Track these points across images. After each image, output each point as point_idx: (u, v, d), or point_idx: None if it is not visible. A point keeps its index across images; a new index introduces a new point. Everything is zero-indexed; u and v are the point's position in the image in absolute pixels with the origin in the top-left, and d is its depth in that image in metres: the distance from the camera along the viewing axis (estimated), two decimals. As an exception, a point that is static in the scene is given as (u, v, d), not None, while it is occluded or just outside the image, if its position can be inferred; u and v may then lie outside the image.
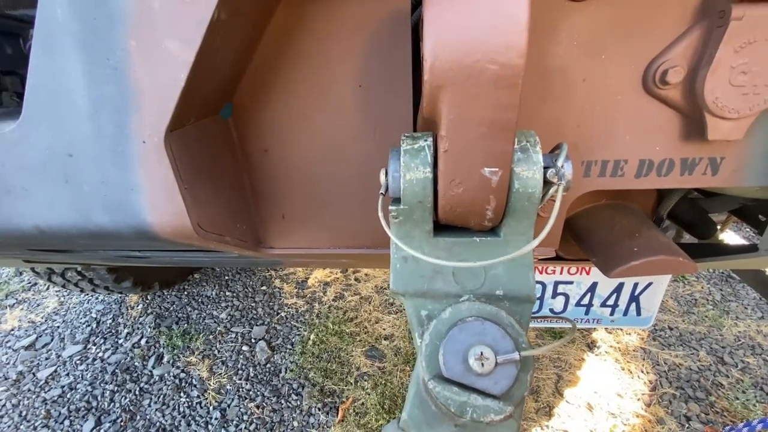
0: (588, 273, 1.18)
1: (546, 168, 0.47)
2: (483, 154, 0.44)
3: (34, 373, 2.38)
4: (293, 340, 2.52)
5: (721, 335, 2.46)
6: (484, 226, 0.52)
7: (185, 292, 2.88)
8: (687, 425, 2.03)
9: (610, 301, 1.23)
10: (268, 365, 2.37)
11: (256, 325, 2.62)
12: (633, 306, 1.23)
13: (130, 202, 0.53)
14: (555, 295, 1.22)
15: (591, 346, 2.40)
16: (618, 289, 1.20)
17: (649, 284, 1.19)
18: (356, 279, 2.98)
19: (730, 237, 1.60)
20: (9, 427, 2.12)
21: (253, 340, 2.52)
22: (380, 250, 0.71)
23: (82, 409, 2.19)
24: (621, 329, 2.51)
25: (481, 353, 0.40)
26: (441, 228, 0.54)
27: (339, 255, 0.72)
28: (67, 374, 2.37)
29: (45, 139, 0.51)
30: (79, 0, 0.43)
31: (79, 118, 0.49)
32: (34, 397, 2.27)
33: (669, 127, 0.58)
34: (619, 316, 1.25)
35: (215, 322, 2.66)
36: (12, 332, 2.63)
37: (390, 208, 0.51)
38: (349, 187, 0.68)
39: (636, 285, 1.19)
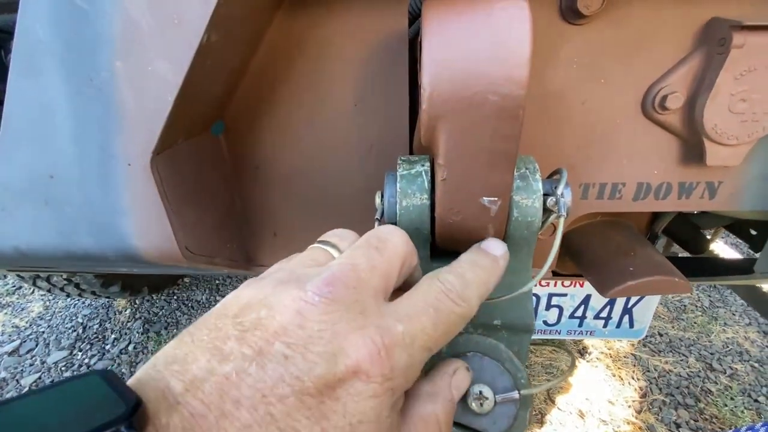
0: (581, 285, 1.18)
1: (546, 195, 0.46)
2: (482, 184, 0.43)
3: (17, 380, 2.33)
4: (285, 346, 2.50)
5: (710, 341, 2.49)
6: (481, 252, 0.51)
7: (175, 297, 2.84)
8: (676, 432, 2.05)
9: (604, 314, 1.23)
10: (259, 372, 2.35)
11: (247, 331, 2.58)
12: (626, 318, 1.24)
13: (115, 225, 0.50)
14: (549, 307, 1.22)
15: (582, 352, 2.41)
16: (611, 302, 1.21)
17: (642, 297, 1.19)
18: (349, 284, 2.96)
19: (719, 247, 1.61)
20: (-9, 436, 2.07)
21: (243, 346, 2.49)
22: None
23: (68, 417, 2.15)
24: (612, 336, 2.52)
25: (480, 392, 0.39)
26: (439, 253, 0.53)
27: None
28: (52, 381, 2.32)
29: (25, 160, 0.48)
30: (62, 19, 0.41)
31: (61, 139, 0.46)
32: (17, 404, 2.21)
33: (667, 152, 0.58)
34: (612, 328, 1.25)
35: (205, 327, 2.62)
36: (-5, 337, 2.57)
37: (386, 234, 0.49)
38: (342, 207, 0.66)
39: (629, 298, 1.20)
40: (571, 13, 0.50)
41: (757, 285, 1.42)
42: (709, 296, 2.78)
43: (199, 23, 0.39)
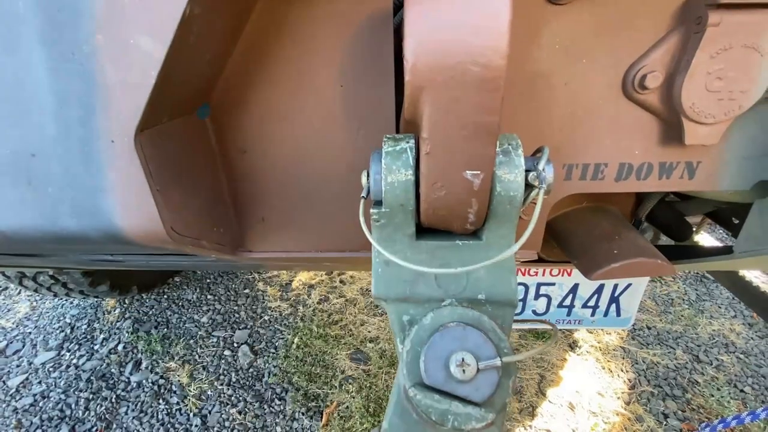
0: (569, 275, 1.19)
1: (528, 171, 0.47)
2: (465, 157, 0.43)
3: (4, 381, 2.28)
4: (276, 343, 2.48)
5: (697, 334, 2.53)
6: (466, 229, 0.51)
7: (165, 296, 2.81)
8: (665, 422, 2.07)
9: (591, 303, 1.24)
10: (251, 370, 2.33)
11: (239, 329, 2.57)
12: (613, 307, 1.25)
13: (98, 204, 0.50)
14: (537, 296, 1.23)
15: (573, 346, 2.44)
16: (598, 291, 1.22)
17: (629, 285, 1.21)
18: (341, 281, 2.96)
19: (704, 239, 1.64)
20: (-24, 438, 2.03)
21: (235, 345, 2.47)
22: (363, 253, 0.69)
23: (56, 418, 2.11)
24: (602, 329, 2.55)
25: (463, 359, 0.39)
26: (423, 231, 0.53)
27: (321, 258, 0.70)
28: (40, 382, 2.28)
29: (6, 138, 0.48)
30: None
31: (42, 116, 0.46)
32: (4, 406, 2.17)
33: (648, 132, 0.59)
34: (599, 316, 1.27)
35: (196, 326, 2.59)
36: (-20, 339, 2.51)
37: (371, 211, 0.49)
38: (330, 189, 0.66)
39: (616, 286, 1.21)
40: (553, -7, 0.51)
41: (741, 274, 1.45)
42: (696, 290, 2.82)
43: (181, -6, 0.39)
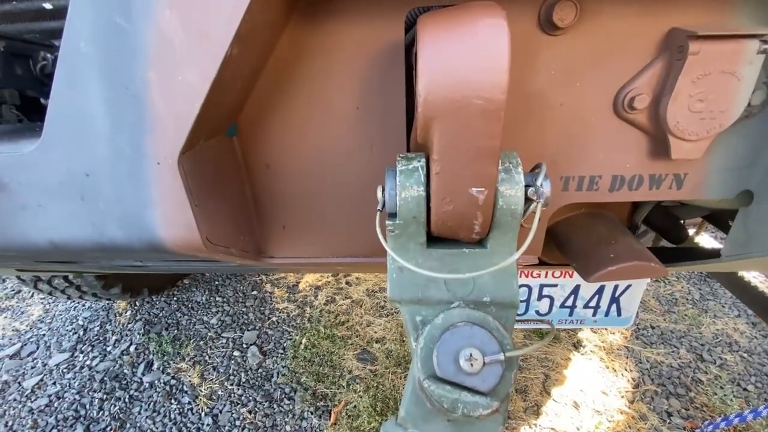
0: (571, 276, 1.25)
1: (527, 186, 0.53)
2: (471, 176, 0.50)
3: (19, 383, 2.36)
4: (285, 344, 2.55)
5: (700, 333, 2.57)
6: (472, 238, 0.58)
7: (174, 298, 2.89)
8: (668, 421, 2.12)
9: (593, 303, 1.30)
10: (260, 370, 2.40)
11: (247, 330, 2.64)
12: (614, 307, 1.31)
13: (143, 218, 0.57)
14: (540, 297, 1.29)
15: (577, 345, 2.49)
16: (599, 291, 1.28)
17: (629, 286, 1.27)
18: (347, 283, 3.02)
19: (705, 240, 1.69)
20: (-5, 437, 2.11)
21: (244, 346, 2.54)
22: (375, 259, 0.76)
23: (70, 418, 2.19)
24: (606, 329, 2.60)
25: (470, 355, 0.46)
26: (433, 240, 0.60)
27: (336, 263, 0.77)
28: (54, 383, 2.36)
29: (64, 160, 0.55)
30: (103, 36, 0.47)
31: (97, 141, 0.53)
32: (20, 407, 2.25)
33: (638, 147, 0.65)
34: (601, 316, 1.33)
35: (206, 327, 2.67)
36: (-4, 341, 2.60)
37: (387, 222, 0.56)
38: (346, 201, 0.73)
39: (616, 287, 1.27)
40: (548, 25, 0.58)
41: (740, 275, 1.51)
42: (700, 289, 2.87)
43: (224, 38, 0.46)
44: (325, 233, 0.76)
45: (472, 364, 0.46)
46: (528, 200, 0.54)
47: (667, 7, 0.57)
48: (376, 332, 2.62)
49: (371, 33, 0.61)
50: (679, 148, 0.62)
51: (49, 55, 0.73)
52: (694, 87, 0.58)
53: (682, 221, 1.07)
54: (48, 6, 0.71)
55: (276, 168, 0.71)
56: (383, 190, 0.56)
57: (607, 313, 1.32)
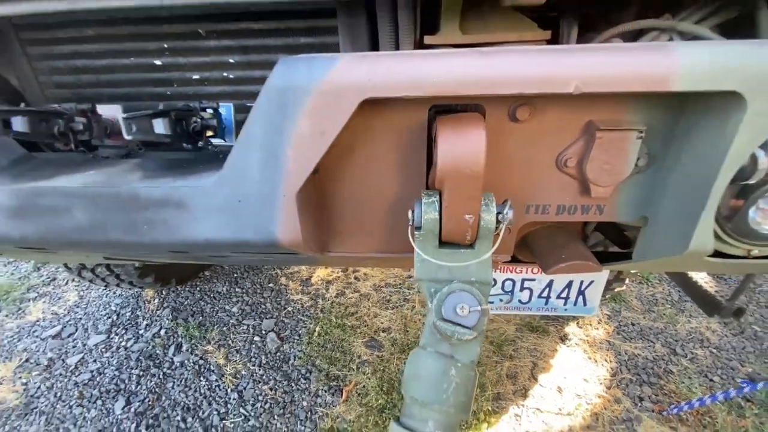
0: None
1: (498, 213, 1.00)
2: (464, 208, 0.96)
3: (63, 360, 2.83)
4: (300, 331, 3.02)
5: (676, 330, 3.06)
6: (466, 243, 1.04)
7: (198, 288, 3.36)
8: (640, 404, 2.61)
9: (564, 294, 1.77)
10: (278, 353, 2.87)
11: (266, 318, 3.11)
12: (581, 298, 1.78)
13: (270, 227, 1.03)
14: (522, 289, 1.77)
15: (563, 338, 2.98)
16: (569, 285, 1.75)
17: (592, 281, 1.74)
18: (356, 278, 3.50)
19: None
20: (47, 405, 2.57)
21: (263, 332, 3.01)
22: (403, 255, 1.23)
23: (112, 390, 2.66)
24: (590, 324, 3.09)
25: (462, 307, 0.92)
26: (443, 243, 1.06)
27: (377, 258, 1.23)
28: (94, 361, 2.83)
29: (228, 192, 1.01)
30: (268, 127, 0.93)
31: (251, 182, 0.99)
32: (66, 380, 2.72)
33: (572, 188, 1.12)
34: (570, 305, 1.80)
35: (228, 315, 3.14)
36: (37, 323, 3.06)
37: (415, 233, 1.02)
38: (384, 216, 1.20)
39: (582, 282, 1.74)
40: (515, 118, 1.04)
41: (689, 275, 1.99)
42: (679, 292, 3.36)
43: (333, 133, 0.91)
44: (369, 235, 1.22)
45: (463, 312, 0.92)
46: (498, 222, 1.00)
47: (587, 108, 1.04)
48: (382, 323, 3.10)
49: (407, 116, 1.07)
50: (596, 190, 1.09)
51: (197, 119, 1.19)
52: (602, 155, 1.05)
53: (624, 231, 1.54)
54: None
55: (340, 195, 1.17)
56: (413, 212, 1.02)
57: (575, 303, 1.79)
